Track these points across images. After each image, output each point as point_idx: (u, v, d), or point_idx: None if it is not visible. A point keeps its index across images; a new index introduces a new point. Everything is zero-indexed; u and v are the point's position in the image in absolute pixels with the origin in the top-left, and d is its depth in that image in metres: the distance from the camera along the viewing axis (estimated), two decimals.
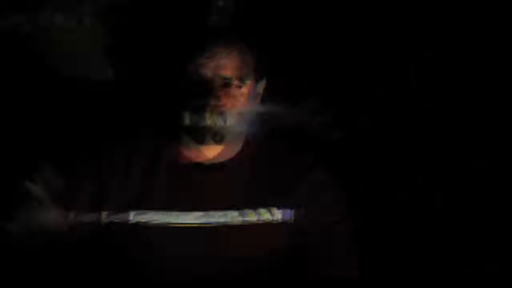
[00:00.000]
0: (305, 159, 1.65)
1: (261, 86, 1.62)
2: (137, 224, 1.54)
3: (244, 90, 1.54)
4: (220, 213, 1.56)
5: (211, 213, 1.55)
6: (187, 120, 1.52)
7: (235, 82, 1.53)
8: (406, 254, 2.03)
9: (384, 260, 1.96)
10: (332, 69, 2.13)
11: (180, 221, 1.55)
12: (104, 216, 1.54)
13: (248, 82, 1.55)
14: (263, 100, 1.63)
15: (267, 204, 1.58)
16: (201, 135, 1.53)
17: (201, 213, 1.55)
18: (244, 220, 1.56)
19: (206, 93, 1.50)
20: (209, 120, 1.51)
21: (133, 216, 1.54)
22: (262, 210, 1.57)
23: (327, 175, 1.64)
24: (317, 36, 2.11)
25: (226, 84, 1.52)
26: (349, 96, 2.16)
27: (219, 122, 1.51)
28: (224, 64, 1.51)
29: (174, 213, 1.55)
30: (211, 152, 1.59)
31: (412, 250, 2.04)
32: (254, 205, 1.57)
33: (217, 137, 1.53)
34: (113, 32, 2.03)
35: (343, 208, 1.64)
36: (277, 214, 1.58)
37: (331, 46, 2.13)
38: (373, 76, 2.14)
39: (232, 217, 1.56)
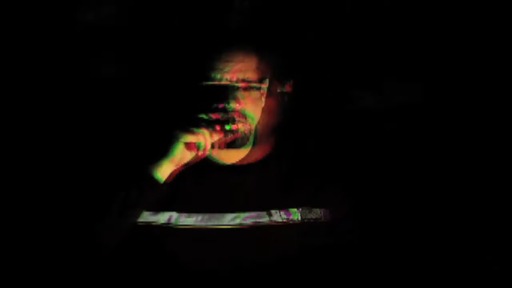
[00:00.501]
0: (331, 161, 1.65)
1: (286, 85, 1.62)
2: (168, 226, 1.55)
3: (265, 92, 1.55)
4: (250, 214, 1.57)
5: (242, 214, 1.56)
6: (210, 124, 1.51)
7: (256, 85, 1.52)
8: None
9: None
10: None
11: (211, 223, 1.56)
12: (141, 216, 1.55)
13: (269, 84, 1.56)
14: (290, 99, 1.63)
15: (297, 204, 1.59)
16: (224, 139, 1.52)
17: (232, 215, 1.56)
18: (275, 221, 1.57)
19: (227, 97, 1.50)
20: (232, 124, 1.51)
21: (165, 218, 1.55)
22: (292, 210, 1.58)
23: (355, 176, 1.66)
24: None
25: (247, 87, 1.52)
26: None
27: (242, 126, 1.52)
28: (244, 67, 1.52)
29: (205, 216, 1.56)
30: (238, 154, 1.59)
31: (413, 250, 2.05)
32: (285, 206, 1.58)
33: (241, 140, 1.53)
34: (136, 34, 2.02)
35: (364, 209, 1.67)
36: (307, 214, 1.59)
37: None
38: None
39: (263, 218, 1.57)
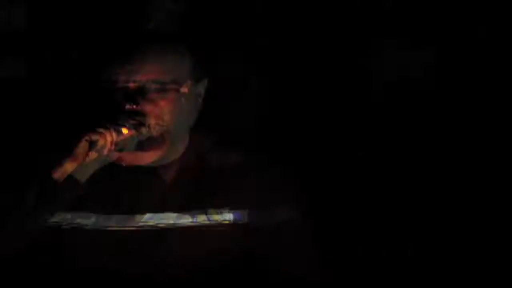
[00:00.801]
0: (254, 158, 1.62)
1: (201, 86, 1.60)
2: (76, 227, 1.52)
3: (181, 92, 1.53)
4: (168, 215, 1.53)
5: (159, 215, 1.53)
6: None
7: (170, 86, 1.51)
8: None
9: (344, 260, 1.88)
10: None
11: (127, 225, 1.53)
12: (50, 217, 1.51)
13: (185, 84, 1.53)
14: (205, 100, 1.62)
15: (216, 205, 1.55)
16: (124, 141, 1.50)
17: (149, 216, 1.53)
18: (191, 222, 1.53)
19: (140, 99, 1.48)
20: (127, 126, 1.47)
21: (73, 219, 1.52)
22: (211, 211, 1.55)
23: (278, 173, 1.61)
24: None
25: (161, 88, 1.50)
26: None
27: (139, 128, 1.49)
28: (157, 68, 1.50)
29: (115, 217, 1.53)
30: (153, 155, 1.55)
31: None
32: (202, 207, 1.54)
33: (154, 141, 1.50)
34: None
35: (300, 206, 1.60)
36: (227, 215, 1.55)
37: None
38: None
39: (182, 219, 1.54)
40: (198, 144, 1.63)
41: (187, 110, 1.56)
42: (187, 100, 1.54)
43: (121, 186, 1.55)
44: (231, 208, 1.56)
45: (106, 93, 1.51)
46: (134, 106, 1.48)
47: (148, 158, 1.55)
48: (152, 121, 1.51)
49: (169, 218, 1.54)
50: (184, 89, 1.54)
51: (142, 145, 1.51)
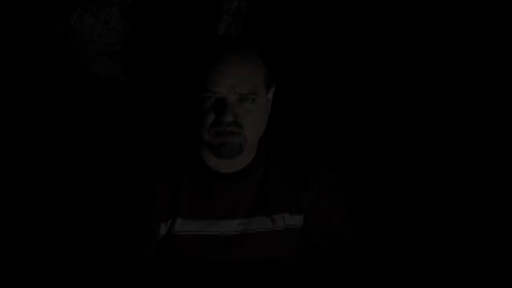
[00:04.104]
0: (311, 164, 1.65)
1: (271, 92, 1.61)
2: (171, 233, 1.57)
3: (258, 102, 1.54)
4: (253, 220, 1.59)
5: (245, 220, 1.59)
6: (205, 136, 1.52)
7: (250, 97, 1.51)
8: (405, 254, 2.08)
9: (383, 260, 2.00)
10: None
11: (215, 230, 1.58)
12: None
13: (261, 93, 1.55)
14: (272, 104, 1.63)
15: (280, 211, 1.61)
16: (220, 151, 1.53)
17: (236, 221, 1.59)
18: (260, 227, 1.60)
19: (222, 110, 1.49)
20: (227, 137, 1.51)
21: (168, 225, 1.57)
22: (276, 216, 1.61)
23: (332, 178, 1.66)
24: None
25: (241, 99, 1.51)
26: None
27: (237, 138, 1.51)
28: (239, 81, 1.50)
29: (209, 222, 1.58)
30: (235, 162, 1.60)
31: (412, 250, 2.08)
32: (269, 212, 1.60)
33: (235, 151, 1.53)
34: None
35: (348, 209, 1.67)
36: (289, 220, 1.61)
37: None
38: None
39: (266, 224, 1.60)
40: (264, 149, 1.65)
41: (261, 118, 1.56)
42: (261, 108, 1.55)
43: (206, 193, 1.59)
44: (291, 213, 1.61)
45: (201, 104, 1.51)
46: (223, 117, 1.49)
47: (230, 166, 1.60)
48: (248, 132, 1.52)
49: (253, 223, 1.59)
50: (261, 98, 1.54)
51: (221, 157, 1.54)
